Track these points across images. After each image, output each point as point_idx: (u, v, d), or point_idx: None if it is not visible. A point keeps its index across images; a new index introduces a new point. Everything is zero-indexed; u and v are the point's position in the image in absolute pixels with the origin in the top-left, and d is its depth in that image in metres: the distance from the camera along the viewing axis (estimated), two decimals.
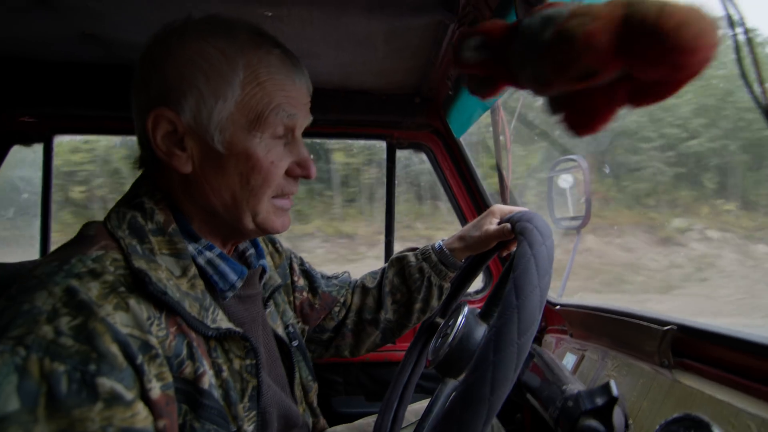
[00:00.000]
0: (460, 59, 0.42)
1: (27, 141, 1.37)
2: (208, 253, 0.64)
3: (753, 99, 0.52)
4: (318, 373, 0.96)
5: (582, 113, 0.37)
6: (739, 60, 0.45)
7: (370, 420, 1.03)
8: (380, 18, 0.94)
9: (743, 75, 0.44)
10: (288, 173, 0.67)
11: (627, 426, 0.68)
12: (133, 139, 0.68)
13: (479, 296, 1.57)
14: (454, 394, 0.50)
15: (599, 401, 0.59)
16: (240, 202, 0.64)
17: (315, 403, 0.91)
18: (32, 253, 1.40)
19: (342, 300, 1.04)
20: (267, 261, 0.82)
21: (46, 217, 1.38)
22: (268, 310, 0.82)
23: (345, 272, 1.11)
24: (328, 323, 1.03)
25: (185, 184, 0.64)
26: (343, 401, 1.44)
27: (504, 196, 1.44)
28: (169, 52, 0.60)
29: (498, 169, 1.43)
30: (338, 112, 1.37)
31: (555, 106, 0.38)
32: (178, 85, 0.59)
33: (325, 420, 0.99)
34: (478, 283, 1.63)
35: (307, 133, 0.71)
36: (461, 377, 0.76)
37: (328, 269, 1.11)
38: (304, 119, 0.68)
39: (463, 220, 1.51)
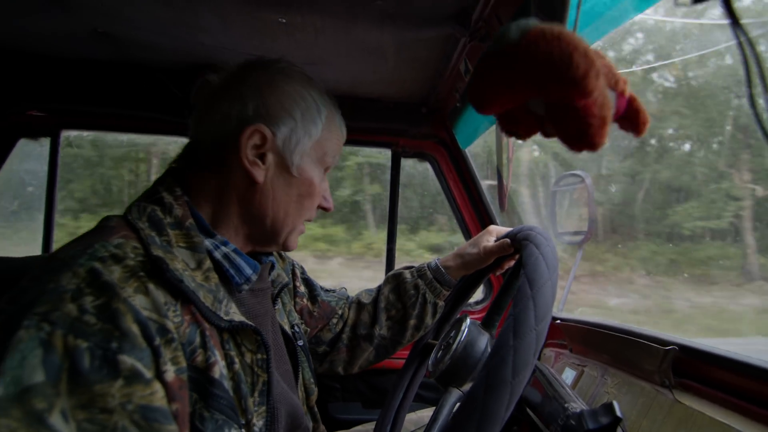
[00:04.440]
0: None
1: (34, 135, 1.38)
2: (224, 248, 0.68)
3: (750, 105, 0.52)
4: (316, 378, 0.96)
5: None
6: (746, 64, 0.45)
7: (368, 427, 1.03)
8: (392, 29, 0.95)
9: (748, 80, 0.45)
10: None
11: None
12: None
13: (479, 307, 1.57)
14: (476, 380, 0.50)
15: (603, 420, 0.59)
16: (287, 218, 0.73)
17: (315, 408, 0.92)
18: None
19: (340, 312, 1.06)
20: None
21: (50, 211, 1.38)
22: (276, 307, 0.85)
23: (342, 288, 1.13)
24: (326, 335, 1.04)
25: (249, 191, 0.70)
26: (340, 407, 1.43)
27: (502, 202, 1.45)
28: (274, 83, 0.71)
29: (498, 177, 1.44)
30: (346, 119, 1.37)
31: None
32: (278, 112, 0.69)
33: (324, 427, 0.99)
34: (478, 294, 1.63)
35: None
36: (465, 387, 0.76)
37: None
38: None
39: (466, 231, 1.51)
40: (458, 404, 0.67)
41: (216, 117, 0.69)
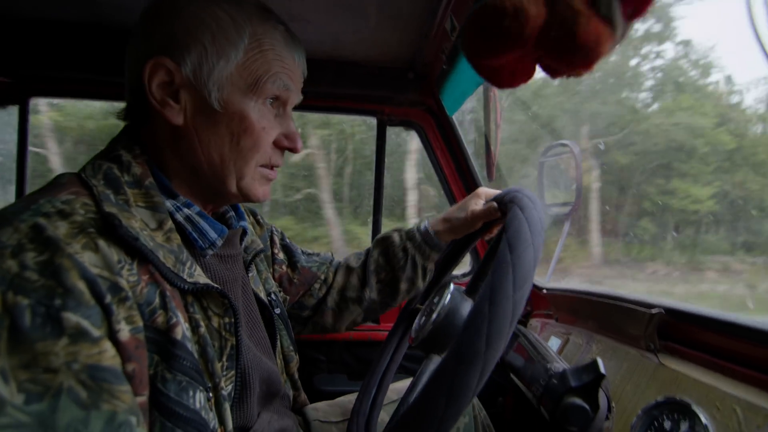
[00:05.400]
0: None
1: (1, 103, 1.31)
2: (186, 210, 0.64)
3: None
4: (301, 350, 0.94)
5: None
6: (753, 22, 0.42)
7: (351, 397, 1.02)
8: None
9: (757, 37, 0.42)
10: (276, 144, 0.69)
11: (610, 409, 0.67)
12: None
13: (466, 279, 1.56)
14: (448, 350, 0.47)
15: (585, 378, 0.57)
16: (227, 163, 0.65)
17: (296, 376, 0.90)
18: None
19: (323, 277, 1.03)
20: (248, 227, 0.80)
21: (22, 182, 1.32)
22: (250, 274, 0.81)
23: (327, 252, 1.10)
24: (308, 300, 1.02)
25: (173, 138, 0.64)
26: (325, 379, 1.42)
27: (490, 171, 1.41)
28: (177, 7, 0.61)
29: (486, 144, 1.40)
30: (329, 85, 1.32)
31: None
32: (183, 39, 0.60)
33: (306, 396, 0.97)
34: (465, 266, 1.61)
35: (296, 105, 0.72)
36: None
37: None
38: (296, 96, 0.70)
39: (453, 201, 1.49)
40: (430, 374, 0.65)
41: (129, 64, 0.63)
